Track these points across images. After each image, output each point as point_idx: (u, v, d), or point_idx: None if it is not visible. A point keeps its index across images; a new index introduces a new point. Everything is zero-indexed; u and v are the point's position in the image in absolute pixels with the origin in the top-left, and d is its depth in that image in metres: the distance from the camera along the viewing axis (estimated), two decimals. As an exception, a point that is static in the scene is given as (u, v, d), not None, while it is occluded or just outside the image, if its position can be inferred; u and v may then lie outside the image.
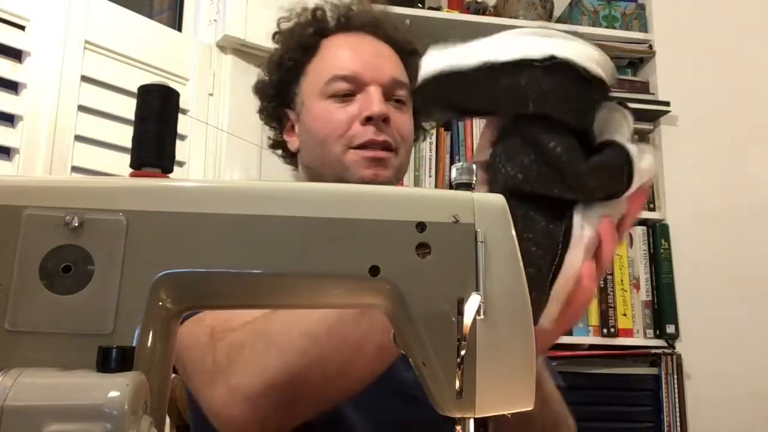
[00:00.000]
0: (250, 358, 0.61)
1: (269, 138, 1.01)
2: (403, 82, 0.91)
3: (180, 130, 0.48)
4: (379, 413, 0.77)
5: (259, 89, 0.99)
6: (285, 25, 0.98)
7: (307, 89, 0.92)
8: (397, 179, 0.91)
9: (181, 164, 1.49)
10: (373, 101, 0.86)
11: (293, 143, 0.95)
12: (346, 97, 0.87)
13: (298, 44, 0.94)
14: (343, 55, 0.91)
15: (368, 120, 0.85)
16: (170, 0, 1.73)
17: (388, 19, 0.97)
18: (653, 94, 1.95)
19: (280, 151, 1.00)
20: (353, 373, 0.60)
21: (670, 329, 1.78)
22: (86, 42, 1.36)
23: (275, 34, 0.99)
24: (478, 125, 1.87)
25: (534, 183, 0.51)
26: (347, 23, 0.94)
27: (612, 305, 1.79)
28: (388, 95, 0.88)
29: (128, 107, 1.33)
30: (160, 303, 0.41)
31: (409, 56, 0.94)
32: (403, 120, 0.90)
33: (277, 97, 0.97)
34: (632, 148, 0.54)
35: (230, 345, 0.62)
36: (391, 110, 0.87)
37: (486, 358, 0.42)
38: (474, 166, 0.45)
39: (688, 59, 1.95)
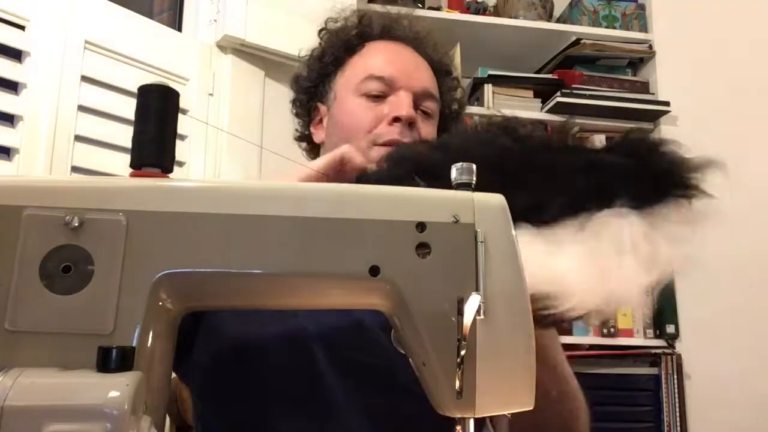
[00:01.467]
0: None
1: (296, 130, 1.04)
2: (433, 95, 0.94)
3: (180, 130, 0.48)
4: (376, 407, 0.77)
5: (297, 81, 1.03)
6: (332, 25, 1.02)
7: (342, 84, 0.96)
8: None
9: (181, 164, 1.49)
10: (402, 104, 0.89)
11: (319, 136, 0.99)
12: (377, 98, 0.91)
13: (342, 42, 0.99)
14: (382, 57, 0.95)
15: (395, 120, 0.88)
16: (170, 0, 1.73)
17: (429, 37, 1.01)
18: (653, 94, 1.95)
19: (304, 144, 1.04)
20: None
21: (670, 329, 1.78)
22: (86, 42, 1.36)
23: (321, 30, 1.04)
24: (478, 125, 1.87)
25: None
26: (390, 32, 0.99)
27: (612, 305, 1.79)
28: (417, 104, 0.91)
29: (128, 107, 1.33)
30: (160, 303, 0.41)
31: (445, 76, 0.98)
32: (427, 129, 0.93)
33: (312, 89, 1.00)
34: None
35: None
36: (417, 117, 0.90)
37: (486, 358, 0.42)
38: (474, 166, 0.45)
39: (688, 59, 1.95)
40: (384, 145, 0.87)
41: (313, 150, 1.02)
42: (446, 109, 0.98)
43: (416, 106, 0.91)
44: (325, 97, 0.98)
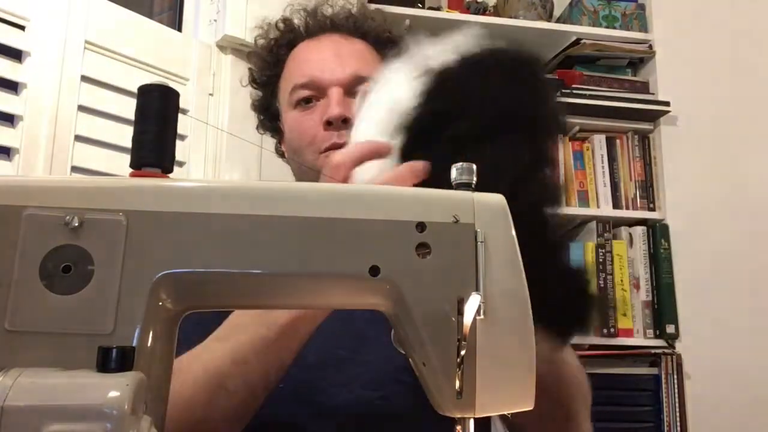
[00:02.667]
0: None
1: (276, 150, 1.04)
2: (365, 77, 0.87)
3: (180, 130, 0.48)
4: (362, 396, 0.77)
5: (254, 106, 1.02)
6: (260, 42, 0.99)
7: (281, 102, 0.94)
8: None
9: (181, 164, 1.49)
10: (329, 105, 0.85)
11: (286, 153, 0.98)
12: (309, 103, 0.88)
13: (268, 61, 0.97)
14: (302, 62, 0.91)
15: (329, 124, 0.85)
16: (170, 0, 1.73)
17: (356, 13, 0.96)
18: (653, 94, 1.95)
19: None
20: (280, 366, 0.66)
21: (670, 329, 1.78)
22: (86, 42, 1.36)
23: (249, 53, 1.03)
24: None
25: None
26: (313, 28, 0.95)
27: (612, 305, 1.79)
28: (351, 92, 0.86)
29: (128, 107, 1.33)
30: (160, 303, 0.41)
31: (385, 45, 0.93)
32: None
33: (266, 112, 1.00)
34: None
35: None
36: (354, 109, 0.85)
37: (486, 358, 0.42)
38: (474, 166, 0.45)
39: (688, 59, 1.95)
40: (327, 150, 0.84)
41: None
42: None
43: (352, 93, 0.86)
44: (280, 115, 0.96)
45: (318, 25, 0.94)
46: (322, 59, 0.90)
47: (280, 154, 1.02)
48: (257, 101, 1.01)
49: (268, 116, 0.99)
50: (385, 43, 0.93)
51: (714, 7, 2.00)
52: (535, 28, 1.96)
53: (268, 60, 0.97)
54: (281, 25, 0.96)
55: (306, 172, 0.89)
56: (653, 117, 1.93)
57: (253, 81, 0.99)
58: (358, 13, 0.96)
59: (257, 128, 1.04)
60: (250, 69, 1.01)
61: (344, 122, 0.84)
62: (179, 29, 1.64)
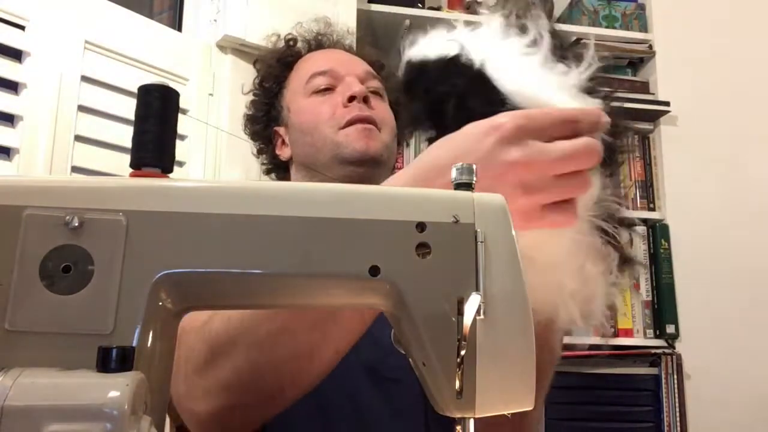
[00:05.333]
0: (214, 356, 0.61)
1: (263, 164, 1.08)
2: (377, 75, 0.99)
3: (180, 130, 0.48)
4: (333, 391, 0.78)
5: (248, 116, 1.07)
6: (269, 51, 1.08)
7: (290, 96, 0.99)
8: (387, 159, 0.95)
9: (181, 164, 1.49)
10: (352, 85, 0.93)
11: (285, 153, 1.01)
12: (326, 90, 0.94)
13: (277, 62, 1.04)
14: (319, 58, 1.00)
15: (351, 100, 0.91)
16: (170, 0, 1.73)
17: (355, 43, 1.08)
18: (653, 94, 1.95)
19: (273, 175, 1.07)
20: (306, 380, 0.62)
21: (670, 329, 1.78)
22: (86, 42, 1.36)
23: (255, 61, 1.09)
24: (478, 125, 1.87)
25: None
26: (321, 43, 1.05)
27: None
28: (364, 84, 0.95)
29: (128, 107, 1.33)
30: (160, 303, 0.41)
31: (380, 69, 1.04)
32: (381, 105, 0.96)
33: (265, 116, 1.04)
34: None
35: (204, 340, 0.63)
36: (369, 95, 0.94)
37: (486, 358, 0.42)
38: (474, 166, 0.45)
39: (688, 59, 1.95)
40: (348, 124, 0.90)
41: (286, 174, 1.04)
42: (390, 96, 1.01)
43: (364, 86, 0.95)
44: (279, 118, 1.01)
45: (324, 44, 1.05)
46: (337, 57, 0.99)
47: (274, 165, 1.05)
48: (256, 106, 1.06)
49: (266, 121, 1.04)
50: (379, 67, 1.04)
51: (714, 7, 2.00)
52: (535, 28, 1.96)
53: (277, 61, 1.04)
54: (291, 42, 1.05)
55: (319, 150, 0.92)
56: (653, 117, 1.93)
57: (261, 82, 1.04)
58: (353, 42, 1.08)
59: (250, 138, 1.09)
60: (258, 72, 1.07)
61: (365, 101, 0.92)
62: (179, 29, 1.64)
